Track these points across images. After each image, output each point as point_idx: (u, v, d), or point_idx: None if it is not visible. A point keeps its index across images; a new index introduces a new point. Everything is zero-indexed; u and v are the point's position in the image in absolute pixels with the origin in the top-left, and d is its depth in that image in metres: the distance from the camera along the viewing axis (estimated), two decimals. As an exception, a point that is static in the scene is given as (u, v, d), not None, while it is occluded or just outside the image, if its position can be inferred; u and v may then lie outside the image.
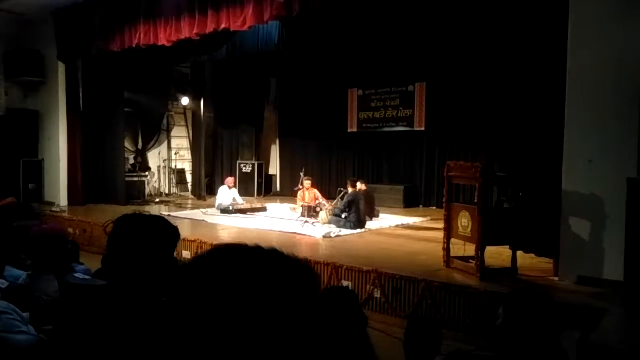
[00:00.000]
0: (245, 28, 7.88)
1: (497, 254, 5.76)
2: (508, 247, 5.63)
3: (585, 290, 4.91)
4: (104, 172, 11.46)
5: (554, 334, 1.94)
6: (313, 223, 8.67)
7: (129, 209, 1.51)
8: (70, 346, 1.31)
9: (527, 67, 6.64)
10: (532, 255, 6.12)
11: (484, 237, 5.24)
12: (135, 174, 12.38)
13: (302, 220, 8.80)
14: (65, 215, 10.06)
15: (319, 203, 9.37)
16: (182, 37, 8.48)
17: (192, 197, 13.28)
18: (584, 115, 5.14)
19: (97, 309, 1.36)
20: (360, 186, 9.04)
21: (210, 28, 8.05)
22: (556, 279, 5.30)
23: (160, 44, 8.80)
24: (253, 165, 13.33)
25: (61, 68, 11.08)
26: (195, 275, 0.71)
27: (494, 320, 2.04)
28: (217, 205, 10.36)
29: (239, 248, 0.74)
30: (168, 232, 1.43)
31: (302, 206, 9.34)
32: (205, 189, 13.02)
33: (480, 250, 5.25)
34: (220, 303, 0.67)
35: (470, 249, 5.52)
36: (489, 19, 7.65)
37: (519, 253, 5.56)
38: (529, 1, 6.22)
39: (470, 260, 5.47)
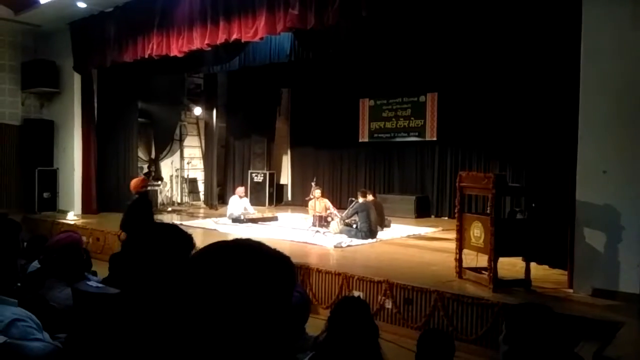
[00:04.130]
0: (257, 39, 7.92)
1: (510, 265, 5.70)
2: (521, 258, 5.58)
3: (600, 302, 4.84)
4: (117, 181, 11.57)
5: (566, 346, 1.92)
6: (324, 233, 8.66)
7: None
8: (85, 354, 1.32)
9: (540, 77, 6.60)
10: (546, 266, 6.05)
11: (496, 248, 5.19)
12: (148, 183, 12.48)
13: (313, 230, 8.80)
14: (79, 223, 10.17)
15: (330, 213, 9.36)
16: (194, 47, 8.54)
17: (204, 206, 13.34)
18: (598, 124, 5.09)
19: (111, 317, 1.37)
20: (368, 196, 9.02)
21: (221, 39, 8.11)
22: (570, 290, 5.23)
23: (172, 54, 8.88)
24: (264, 174, 13.37)
25: (77, 78, 11.25)
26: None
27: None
28: (228, 214, 10.40)
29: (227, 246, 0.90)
30: (182, 240, 1.42)
31: (313, 216, 9.34)
32: (217, 198, 13.08)
33: (493, 261, 5.20)
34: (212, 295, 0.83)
35: (482, 260, 5.47)
36: (501, 28, 7.63)
37: (533, 264, 5.49)
38: (541, 11, 6.19)
39: (483, 271, 5.42)
